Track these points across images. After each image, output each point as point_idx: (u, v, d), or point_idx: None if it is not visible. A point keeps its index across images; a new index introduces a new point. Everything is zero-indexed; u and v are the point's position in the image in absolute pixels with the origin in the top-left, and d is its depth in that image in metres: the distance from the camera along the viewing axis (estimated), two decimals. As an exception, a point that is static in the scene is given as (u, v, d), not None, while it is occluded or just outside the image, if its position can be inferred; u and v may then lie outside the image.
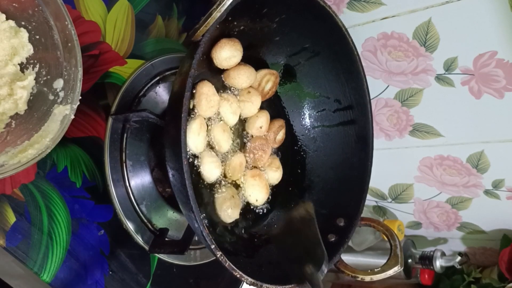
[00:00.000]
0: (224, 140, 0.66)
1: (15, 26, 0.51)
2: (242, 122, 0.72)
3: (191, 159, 0.63)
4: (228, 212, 0.65)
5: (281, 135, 0.75)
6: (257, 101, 0.70)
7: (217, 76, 0.68)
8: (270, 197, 0.74)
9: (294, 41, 0.73)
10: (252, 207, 0.72)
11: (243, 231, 0.71)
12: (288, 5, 0.66)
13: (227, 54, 0.64)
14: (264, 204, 0.73)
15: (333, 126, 0.77)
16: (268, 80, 0.72)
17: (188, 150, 0.62)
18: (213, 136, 0.65)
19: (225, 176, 0.68)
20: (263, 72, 0.72)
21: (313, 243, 0.60)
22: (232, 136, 0.69)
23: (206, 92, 0.62)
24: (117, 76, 0.68)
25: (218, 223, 0.67)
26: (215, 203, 0.67)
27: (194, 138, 0.61)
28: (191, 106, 0.63)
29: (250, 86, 0.71)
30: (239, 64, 0.68)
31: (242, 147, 0.71)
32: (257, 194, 0.70)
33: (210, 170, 0.64)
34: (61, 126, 0.50)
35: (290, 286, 0.60)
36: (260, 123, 0.71)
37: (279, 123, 0.75)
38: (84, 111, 0.64)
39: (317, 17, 0.68)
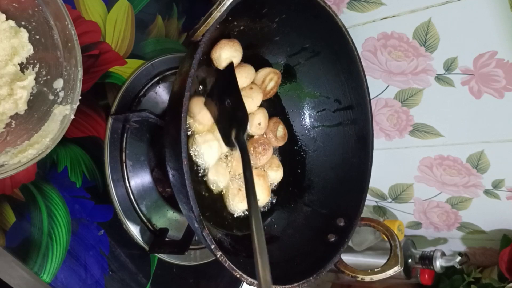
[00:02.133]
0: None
1: (15, 26, 0.51)
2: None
3: (200, 173, 0.65)
4: (240, 206, 0.68)
5: (281, 131, 0.75)
6: (257, 97, 0.70)
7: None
8: (271, 199, 0.74)
9: (294, 41, 0.73)
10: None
11: (244, 231, 0.71)
12: (288, 5, 0.66)
13: (227, 55, 0.64)
14: (264, 206, 0.73)
15: (333, 126, 0.77)
16: (271, 79, 0.72)
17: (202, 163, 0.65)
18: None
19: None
20: (268, 70, 0.72)
21: (235, 108, 0.62)
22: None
23: (198, 112, 0.63)
24: (117, 76, 0.68)
25: (218, 223, 0.68)
26: (224, 200, 0.68)
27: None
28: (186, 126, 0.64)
29: (253, 83, 0.71)
30: (238, 64, 0.68)
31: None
32: (259, 194, 0.70)
33: (217, 178, 0.66)
34: (61, 126, 0.50)
35: (290, 286, 0.60)
36: (258, 120, 0.71)
37: (273, 120, 0.75)
38: (84, 111, 0.64)
39: (317, 17, 0.68)
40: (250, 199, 0.52)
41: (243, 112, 0.61)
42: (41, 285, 0.57)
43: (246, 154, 0.57)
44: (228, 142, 0.61)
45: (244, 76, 0.68)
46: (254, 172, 0.71)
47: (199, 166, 0.65)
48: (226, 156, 0.69)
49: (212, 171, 0.66)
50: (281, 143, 0.75)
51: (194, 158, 0.64)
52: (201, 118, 0.63)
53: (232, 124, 0.61)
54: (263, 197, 0.71)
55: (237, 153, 0.68)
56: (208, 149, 0.64)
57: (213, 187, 0.67)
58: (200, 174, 0.65)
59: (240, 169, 0.69)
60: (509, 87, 0.85)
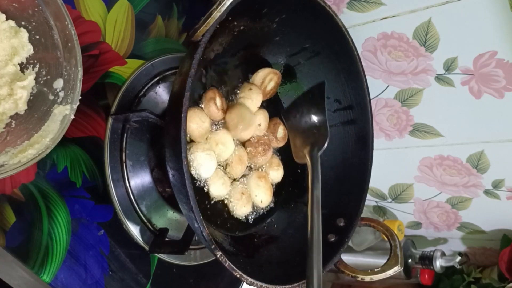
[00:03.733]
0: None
1: (15, 26, 0.51)
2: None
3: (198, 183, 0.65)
4: (243, 210, 0.68)
5: (281, 132, 0.75)
6: (257, 98, 0.70)
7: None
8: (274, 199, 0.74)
9: (294, 41, 0.73)
10: (255, 208, 0.72)
11: (244, 232, 0.71)
12: (288, 5, 0.66)
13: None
14: (267, 206, 0.73)
15: (333, 126, 0.77)
16: (271, 79, 0.72)
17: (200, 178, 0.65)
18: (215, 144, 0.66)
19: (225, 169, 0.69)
20: (267, 70, 0.72)
21: (319, 127, 0.67)
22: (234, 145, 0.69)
23: (195, 128, 0.63)
24: (117, 76, 0.68)
25: (219, 223, 0.67)
26: (228, 207, 0.68)
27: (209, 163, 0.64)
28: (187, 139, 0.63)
29: (252, 84, 0.71)
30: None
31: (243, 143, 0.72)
32: (262, 195, 0.70)
33: (218, 189, 0.66)
34: (61, 126, 0.50)
35: (290, 286, 0.60)
36: (258, 121, 0.71)
37: (274, 121, 0.75)
38: (84, 111, 0.64)
39: (317, 17, 0.68)
40: (313, 215, 0.54)
41: (325, 132, 0.65)
42: (41, 285, 0.57)
43: (316, 171, 0.60)
44: (298, 155, 0.65)
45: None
46: (256, 174, 0.71)
47: (198, 178, 0.65)
48: (222, 165, 0.69)
49: (213, 185, 0.66)
50: (281, 144, 0.75)
51: (192, 173, 0.64)
52: (198, 134, 0.63)
53: (309, 139, 0.64)
54: (266, 198, 0.71)
55: (235, 156, 0.68)
56: (207, 158, 0.63)
57: (216, 199, 0.67)
58: (199, 185, 0.65)
59: (240, 172, 0.69)
60: (509, 87, 0.85)
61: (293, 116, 0.70)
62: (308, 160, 0.62)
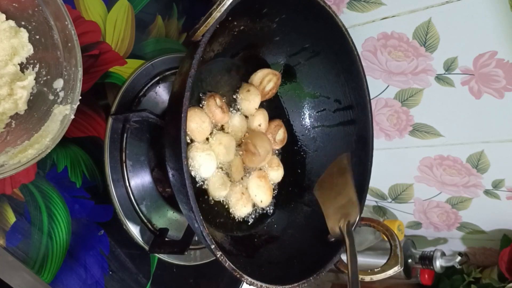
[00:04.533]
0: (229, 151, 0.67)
1: (15, 26, 0.51)
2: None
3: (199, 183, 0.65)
4: (243, 210, 0.68)
5: (281, 135, 0.75)
6: (255, 100, 0.70)
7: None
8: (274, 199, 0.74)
9: (294, 41, 0.73)
10: (256, 208, 0.72)
11: (244, 232, 0.71)
12: (288, 5, 0.66)
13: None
14: (267, 206, 0.73)
15: (333, 126, 0.77)
16: (270, 80, 0.72)
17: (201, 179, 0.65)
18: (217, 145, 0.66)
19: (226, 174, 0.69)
20: (265, 71, 0.72)
21: (348, 201, 0.64)
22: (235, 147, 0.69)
23: (195, 127, 0.63)
24: (117, 76, 0.68)
25: (219, 223, 0.68)
26: (228, 205, 0.68)
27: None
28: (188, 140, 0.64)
29: (251, 84, 0.71)
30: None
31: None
32: (262, 195, 0.70)
33: (218, 189, 0.66)
34: (61, 126, 0.50)
35: (290, 286, 0.60)
36: (258, 121, 0.71)
37: (275, 123, 0.75)
38: (84, 111, 0.64)
39: (317, 17, 0.68)
40: None
41: (354, 207, 0.63)
42: (41, 285, 0.57)
43: (353, 246, 0.59)
44: (333, 227, 0.64)
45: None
46: (256, 174, 0.71)
47: (198, 178, 0.65)
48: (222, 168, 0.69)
49: (213, 185, 0.66)
50: (278, 147, 0.75)
51: (192, 173, 0.64)
52: (197, 134, 0.63)
53: (341, 214, 0.63)
54: (266, 198, 0.71)
55: (236, 160, 0.68)
56: (207, 158, 0.63)
57: (216, 199, 0.67)
58: (199, 185, 0.65)
59: (240, 174, 0.69)
60: (509, 87, 0.85)
61: (326, 193, 0.68)
62: (346, 238, 0.62)
